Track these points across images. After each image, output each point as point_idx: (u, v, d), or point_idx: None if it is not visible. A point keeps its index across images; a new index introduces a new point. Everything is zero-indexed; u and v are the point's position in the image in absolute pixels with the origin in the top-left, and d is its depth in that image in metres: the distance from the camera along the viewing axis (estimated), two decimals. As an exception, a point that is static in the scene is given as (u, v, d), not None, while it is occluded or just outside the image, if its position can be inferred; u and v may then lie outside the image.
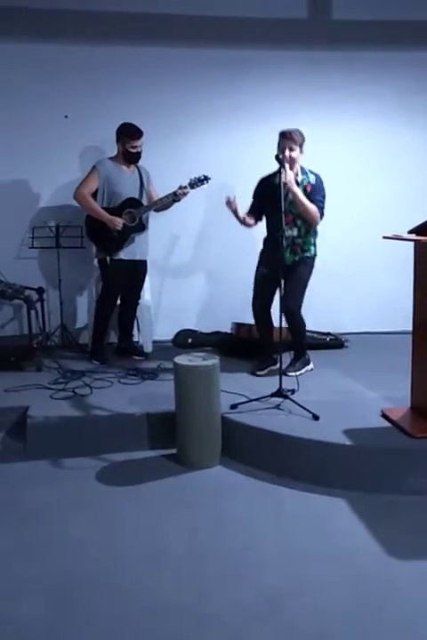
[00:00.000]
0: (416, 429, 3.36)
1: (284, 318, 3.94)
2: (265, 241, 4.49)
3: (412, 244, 3.44)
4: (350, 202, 5.46)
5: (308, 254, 4.39)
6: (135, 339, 5.23)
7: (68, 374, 4.48)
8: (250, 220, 4.39)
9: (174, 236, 5.47)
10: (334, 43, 5.33)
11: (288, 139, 4.19)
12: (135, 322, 5.17)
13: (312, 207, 4.23)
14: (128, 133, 4.67)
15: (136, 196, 4.78)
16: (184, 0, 5.04)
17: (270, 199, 4.13)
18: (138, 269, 4.90)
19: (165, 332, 5.46)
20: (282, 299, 3.90)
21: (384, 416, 3.61)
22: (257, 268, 4.49)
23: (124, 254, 4.75)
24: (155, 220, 5.07)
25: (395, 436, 3.38)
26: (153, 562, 2.69)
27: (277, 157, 3.93)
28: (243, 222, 4.35)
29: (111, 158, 4.79)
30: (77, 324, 5.46)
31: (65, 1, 4.96)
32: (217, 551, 2.77)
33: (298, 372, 4.32)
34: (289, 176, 4.13)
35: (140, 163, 4.84)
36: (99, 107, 4.96)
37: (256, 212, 4.42)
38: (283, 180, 3.98)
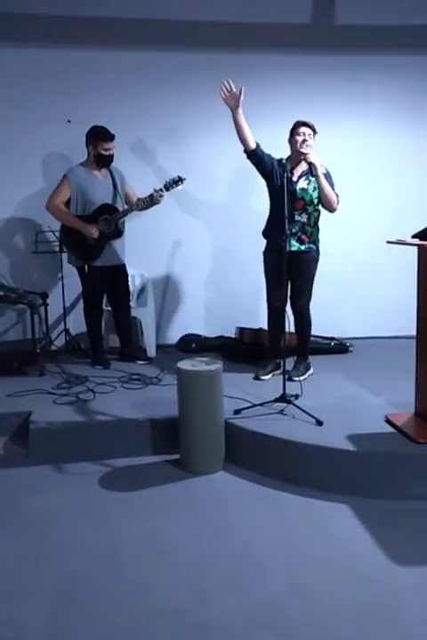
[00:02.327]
0: (420, 435, 3.34)
1: (293, 318, 3.92)
2: (269, 223, 4.38)
3: (416, 248, 3.43)
4: (353, 206, 5.43)
5: (314, 247, 4.35)
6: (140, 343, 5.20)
7: (72, 379, 4.48)
8: (247, 133, 4.15)
9: (178, 242, 5.46)
10: (336, 47, 5.33)
11: (307, 125, 4.20)
12: (139, 326, 5.16)
13: (332, 191, 4.23)
14: (100, 136, 4.60)
15: (110, 202, 4.69)
16: (186, 5, 5.05)
17: (279, 180, 4.11)
18: (117, 274, 4.83)
19: (169, 336, 5.45)
20: (291, 297, 3.86)
21: (388, 421, 3.59)
22: (264, 260, 4.42)
23: (100, 261, 4.69)
24: (159, 226, 5.08)
25: (399, 442, 3.37)
26: (155, 567, 2.67)
27: (279, 162, 3.93)
28: (238, 123, 4.11)
29: (82, 164, 4.71)
30: (81, 329, 5.45)
31: (69, 6, 4.97)
32: (220, 557, 2.76)
33: (303, 377, 4.32)
34: (315, 157, 4.13)
35: (114, 165, 4.74)
36: (102, 111, 4.94)
37: (262, 154, 4.23)
38: (310, 159, 4.04)
